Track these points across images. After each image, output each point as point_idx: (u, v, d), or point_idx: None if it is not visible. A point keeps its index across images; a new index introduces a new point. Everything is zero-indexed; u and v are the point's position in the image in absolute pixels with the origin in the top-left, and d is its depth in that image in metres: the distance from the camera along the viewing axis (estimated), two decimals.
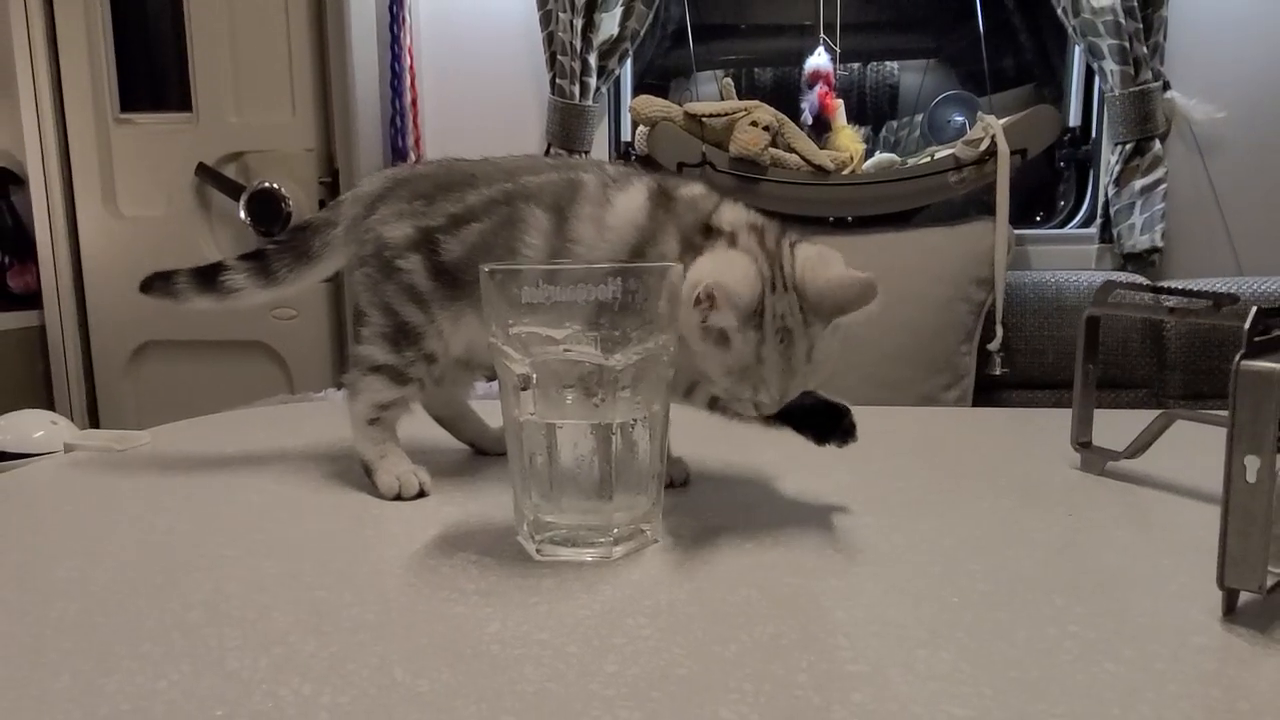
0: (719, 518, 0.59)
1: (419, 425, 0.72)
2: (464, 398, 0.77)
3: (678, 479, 0.67)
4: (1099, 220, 2.05)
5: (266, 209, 2.13)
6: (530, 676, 0.38)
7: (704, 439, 0.68)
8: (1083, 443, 0.71)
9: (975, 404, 1.80)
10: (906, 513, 0.61)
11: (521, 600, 0.46)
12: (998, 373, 1.82)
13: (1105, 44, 1.89)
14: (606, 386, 0.50)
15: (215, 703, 0.36)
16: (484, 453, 0.77)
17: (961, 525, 0.58)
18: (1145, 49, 1.89)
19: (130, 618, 0.44)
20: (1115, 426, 0.70)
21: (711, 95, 2.21)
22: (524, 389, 0.51)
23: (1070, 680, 0.38)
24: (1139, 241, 1.94)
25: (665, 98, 2.03)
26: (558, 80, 2.06)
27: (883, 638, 0.42)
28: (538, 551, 0.52)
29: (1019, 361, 1.82)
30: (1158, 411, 0.67)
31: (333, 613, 0.44)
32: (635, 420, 0.51)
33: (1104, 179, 2.03)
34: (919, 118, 2.24)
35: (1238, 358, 0.41)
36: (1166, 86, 1.94)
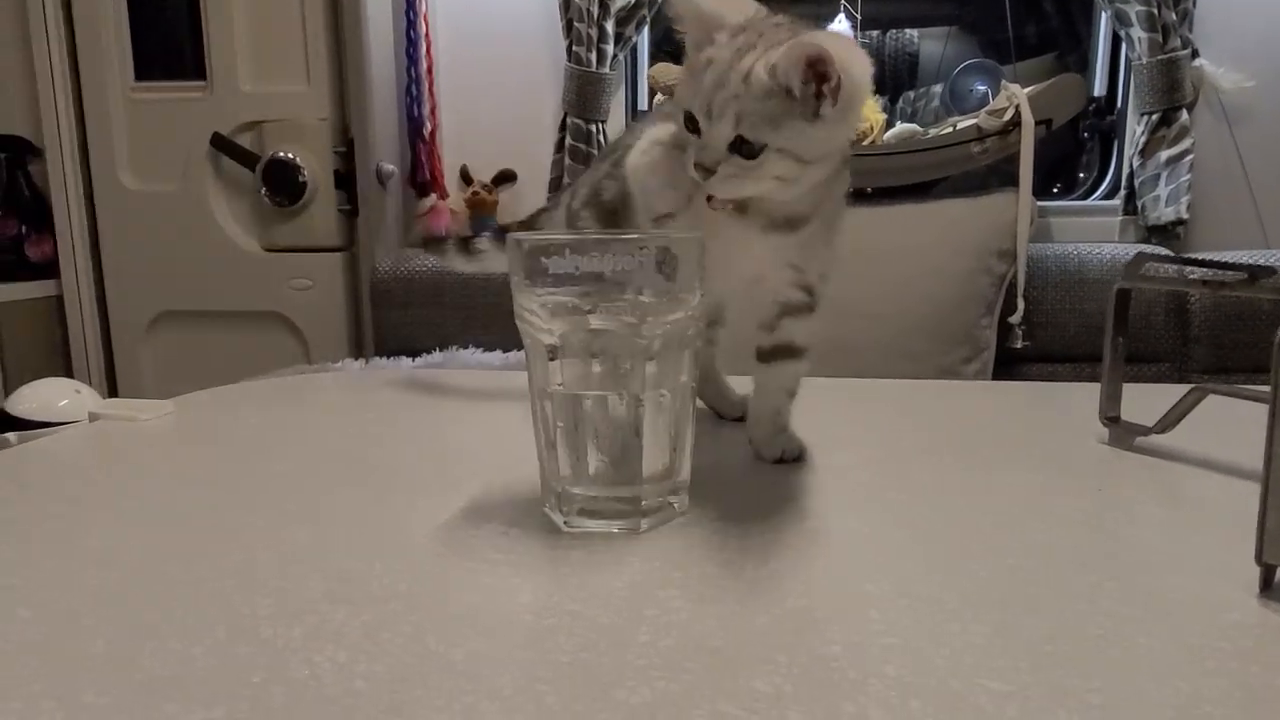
0: (745, 492, 0.59)
1: None
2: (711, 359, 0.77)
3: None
4: (1123, 192, 2.02)
5: (282, 178, 2.13)
6: (564, 646, 0.38)
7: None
8: (1111, 417, 0.70)
9: (995, 377, 1.79)
10: (934, 486, 0.61)
11: (551, 571, 0.46)
12: (1019, 346, 1.80)
13: (1133, 10, 1.85)
14: (634, 357, 0.49)
15: (252, 669, 0.36)
16: (722, 417, 0.77)
17: (990, 499, 0.58)
18: (1174, 15, 1.85)
19: (163, 586, 0.44)
20: (1140, 401, 0.69)
21: None
22: (551, 359, 0.50)
23: (1104, 655, 0.37)
24: (1164, 214, 1.92)
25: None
26: (574, 48, 2.04)
27: (914, 612, 0.41)
28: (565, 523, 0.52)
29: (1040, 335, 1.81)
30: (1184, 386, 0.67)
31: (363, 582, 0.44)
32: (664, 392, 0.51)
33: (1129, 150, 1.99)
34: (936, 88, 2.21)
35: None
36: (1195, 54, 1.90)
